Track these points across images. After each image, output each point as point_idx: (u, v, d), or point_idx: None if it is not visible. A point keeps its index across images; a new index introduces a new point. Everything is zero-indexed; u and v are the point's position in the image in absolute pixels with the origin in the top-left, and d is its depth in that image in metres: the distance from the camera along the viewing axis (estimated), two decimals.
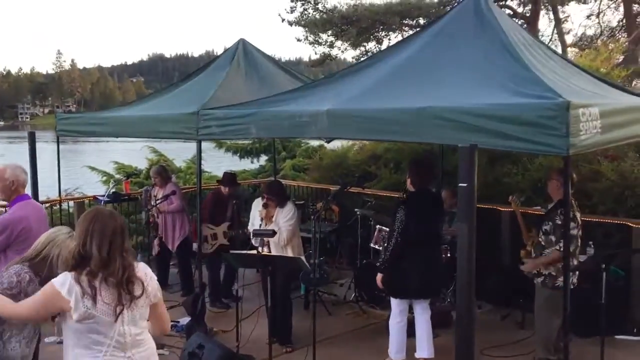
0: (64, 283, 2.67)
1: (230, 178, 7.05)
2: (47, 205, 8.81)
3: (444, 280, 6.13)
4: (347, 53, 15.50)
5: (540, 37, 14.52)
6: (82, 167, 14.36)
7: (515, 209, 5.20)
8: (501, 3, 13.72)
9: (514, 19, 13.67)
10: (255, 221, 5.76)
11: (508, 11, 14.28)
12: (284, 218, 5.59)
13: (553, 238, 4.86)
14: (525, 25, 13.92)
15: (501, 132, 3.29)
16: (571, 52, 15.09)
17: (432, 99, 3.76)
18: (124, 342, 2.75)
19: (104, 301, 2.68)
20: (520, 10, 14.87)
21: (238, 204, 6.94)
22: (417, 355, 5.19)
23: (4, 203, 4.87)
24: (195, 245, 6.84)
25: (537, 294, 5.07)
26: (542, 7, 14.73)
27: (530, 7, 14.62)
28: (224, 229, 6.74)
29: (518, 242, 5.47)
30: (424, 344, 5.18)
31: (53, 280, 2.71)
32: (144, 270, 2.86)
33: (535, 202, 6.79)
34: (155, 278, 2.94)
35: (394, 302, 5.20)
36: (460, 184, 2.99)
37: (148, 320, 2.92)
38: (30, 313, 2.81)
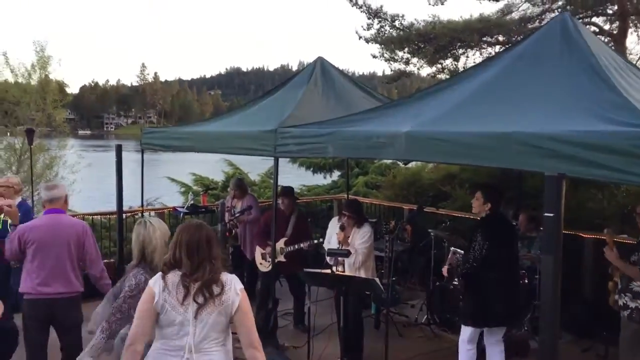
0: (155, 279, 3.03)
1: (289, 191, 6.93)
2: (129, 214, 9.22)
3: (523, 308, 5.93)
4: (422, 70, 15.31)
5: (628, 55, 13.86)
6: (162, 178, 14.91)
7: (609, 241, 4.90)
8: (586, 20, 13.21)
9: (601, 36, 13.14)
10: (332, 239, 5.78)
11: (594, 28, 13.73)
12: (361, 239, 5.57)
13: None
14: (612, 43, 13.34)
15: (591, 160, 3.12)
16: None
17: (516, 123, 3.64)
18: (185, 345, 2.91)
19: (183, 300, 2.93)
20: (606, 27, 14.25)
21: (300, 218, 6.76)
22: None
23: None
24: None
25: (623, 327, 4.80)
26: (631, 24, 14.06)
27: (617, 24, 13.99)
28: (280, 245, 6.62)
29: (601, 271, 5.21)
30: None
31: (150, 281, 3.06)
32: (228, 279, 3.03)
33: (621, 230, 6.46)
34: (239, 289, 3.03)
35: (467, 329, 5.03)
36: (546, 214, 2.88)
37: (235, 333, 3.05)
38: (137, 322, 2.99)
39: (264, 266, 6.71)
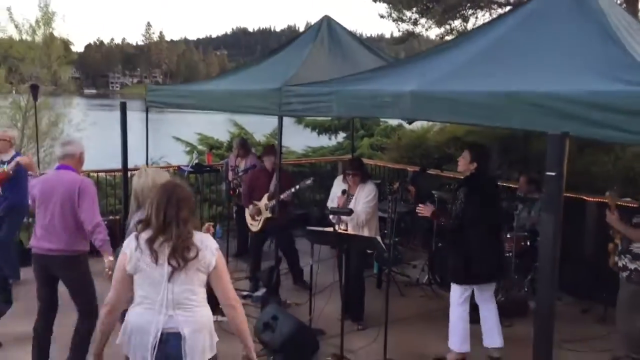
0: (128, 240, 3.03)
1: (272, 150, 6.92)
2: (135, 172, 9.25)
3: (506, 265, 6.10)
4: (431, 31, 15.06)
5: None
6: (168, 137, 14.91)
7: (611, 204, 4.90)
8: None
9: None
10: (335, 198, 5.82)
11: None
12: (365, 198, 5.61)
13: None
14: (624, 4, 13.07)
15: (596, 120, 3.09)
16: None
17: (522, 83, 3.61)
18: (168, 300, 2.91)
19: (156, 259, 2.91)
20: None
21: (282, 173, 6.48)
22: (487, 344, 5.06)
23: None
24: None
25: (622, 288, 4.86)
26: None
27: None
28: (264, 202, 6.64)
29: (603, 233, 5.24)
30: (495, 333, 5.04)
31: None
32: (201, 240, 3.02)
33: (626, 194, 6.45)
34: (215, 249, 3.04)
35: (457, 289, 5.03)
36: (547, 173, 2.87)
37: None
38: (114, 287, 3.06)
39: (254, 226, 6.75)
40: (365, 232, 5.62)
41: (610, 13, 4.13)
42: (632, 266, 4.72)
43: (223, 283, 3.04)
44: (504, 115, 3.53)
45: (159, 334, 2.88)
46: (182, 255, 2.91)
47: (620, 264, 4.84)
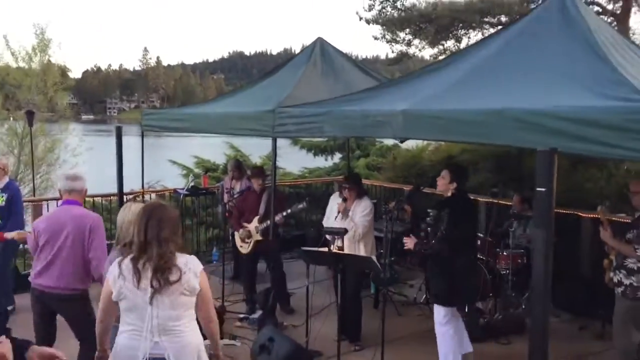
0: (112, 267, 3.04)
1: (260, 171, 6.91)
2: (131, 197, 9.26)
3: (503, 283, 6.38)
4: (424, 51, 15.25)
5: (631, 35, 13.73)
6: (165, 161, 14.94)
7: (603, 219, 4.93)
8: (589, 0, 13.10)
9: (603, 16, 13.02)
10: (331, 215, 5.83)
11: (597, 8, 13.60)
12: (361, 212, 5.64)
13: (636, 246, 4.64)
14: (614, 23, 13.22)
15: (583, 136, 3.14)
16: None
17: (511, 100, 3.65)
18: (152, 326, 2.91)
19: (138, 284, 2.91)
20: (609, 7, 14.12)
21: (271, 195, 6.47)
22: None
23: None
24: None
25: (617, 304, 4.84)
26: (634, 3, 13.93)
27: (620, 4, 13.86)
28: (255, 224, 6.62)
29: (598, 249, 5.24)
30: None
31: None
32: (185, 262, 3.01)
33: (620, 209, 6.47)
34: (198, 272, 3.05)
35: (442, 310, 4.95)
36: (537, 189, 2.90)
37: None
38: (100, 312, 3.12)
39: (243, 248, 6.73)
40: (362, 248, 5.63)
41: (597, 31, 4.20)
42: (627, 282, 4.72)
43: (207, 305, 3.10)
44: (493, 133, 3.57)
45: None
46: (163, 277, 2.91)
47: (615, 280, 4.83)
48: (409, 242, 5.03)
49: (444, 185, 4.97)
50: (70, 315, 4.35)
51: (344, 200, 5.72)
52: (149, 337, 2.90)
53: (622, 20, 13.41)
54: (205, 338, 3.22)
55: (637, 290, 4.64)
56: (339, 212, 5.69)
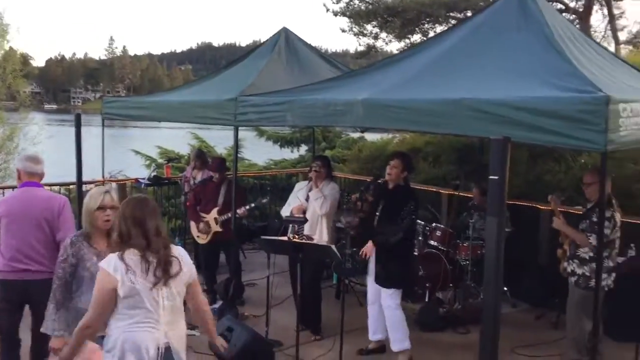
0: (109, 262, 2.93)
1: (220, 164, 6.86)
2: (92, 185, 9.08)
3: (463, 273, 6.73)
4: (391, 45, 15.36)
5: (592, 33, 14.04)
6: (127, 151, 14.71)
7: (554, 208, 5.07)
8: None
9: (566, 13, 13.28)
10: (292, 202, 5.81)
11: (560, 6, 13.87)
12: (330, 190, 5.70)
13: (589, 235, 4.75)
14: (577, 20, 13.51)
15: (537, 125, 3.20)
16: (624, 49, 14.57)
17: (469, 90, 3.69)
18: (161, 319, 2.97)
19: (146, 278, 2.93)
20: (572, 4, 14.42)
21: (230, 186, 6.49)
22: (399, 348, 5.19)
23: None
24: None
25: (571, 293, 4.96)
26: (596, 2, 14.25)
27: (583, 2, 14.17)
28: (214, 216, 6.57)
29: (556, 241, 5.34)
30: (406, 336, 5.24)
31: (100, 263, 2.97)
32: (178, 252, 3.10)
33: (577, 202, 6.61)
34: (190, 259, 3.15)
35: (398, 294, 5.13)
36: (490, 177, 2.94)
37: (185, 304, 3.16)
38: (97, 309, 2.97)
39: (201, 239, 6.66)
40: (324, 223, 5.66)
41: (555, 25, 4.28)
42: (579, 271, 4.83)
43: (199, 290, 3.22)
44: (450, 122, 3.61)
45: (153, 351, 2.94)
46: (170, 268, 2.98)
47: (569, 269, 4.94)
48: (367, 251, 5.14)
49: (397, 174, 5.04)
50: (42, 300, 4.14)
51: (310, 180, 5.77)
52: (160, 327, 2.96)
53: (584, 18, 13.70)
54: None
55: (589, 280, 4.75)
56: (308, 194, 5.70)
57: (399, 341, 5.10)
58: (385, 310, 5.13)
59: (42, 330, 3.58)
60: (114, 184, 8.83)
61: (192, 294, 3.19)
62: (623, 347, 5.15)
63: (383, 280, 5.12)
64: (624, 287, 5.29)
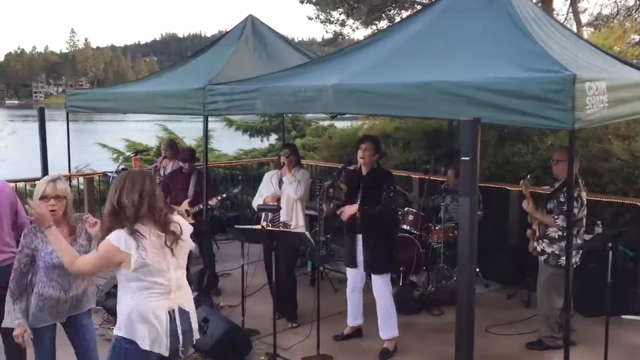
0: (119, 238, 2.96)
1: (189, 154, 6.82)
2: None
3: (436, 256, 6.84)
4: (358, 32, 15.32)
5: (555, 15, 14.22)
6: (92, 145, 14.46)
7: (525, 192, 5.13)
8: None
9: None
10: (264, 191, 5.79)
11: None
12: (302, 175, 5.74)
13: (555, 216, 4.85)
14: (540, 3, 13.67)
15: (506, 106, 3.24)
16: (586, 31, 14.82)
17: (437, 73, 3.72)
18: (170, 286, 3.08)
19: (155, 250, 3.01)
20: None
21: (200, 177, 6.48)
22: (388, 336, 5.21)
23: None
24: None
25: (540, 272, 5.08)
26: None
27: None
28: (185, 207, 6.53)
29: (525, 221, 5.45)
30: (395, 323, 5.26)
31: (108, 237, 2.99)
32: (177, 219, 3.21)
33: (544, 182, 6.74)
34: (189, 227, 3.27)
35: (387, 278, 5.15)
36: (462, 158, 2.96)
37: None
38: (90, 268, 3.14)
39: None
40: (299, 207, 5.69)
41: (519, 6, 4.32)
42: (549, 250, 4.93)
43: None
44: (420, 106, 3.64)
45: (172, 316, 3.06)
46: (175, 233, 3.08)
47: (538, 249, 5.04)
48: (348, 209, 5.08)
49: (370, 157, 5.04)
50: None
51: (282, 165, 5.76)
52: (170, 295, 3.07)
53: (546, 1, 13.87)
54: None
55: (558, 258, 4.86)
56: (280, 180, 5.70)
57: (390, 328, 5.11)
58: (378, 298, 5.12)
59: (2, 326, 3.61)
60: (81, 179, 8.70)
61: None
62: (593, 321, 5.29)
63: (373, 267, 5.10)
64: (591, 263, 5.44)
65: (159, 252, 3.02)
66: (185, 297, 3.21)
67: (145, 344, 3.00)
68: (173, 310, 3.08)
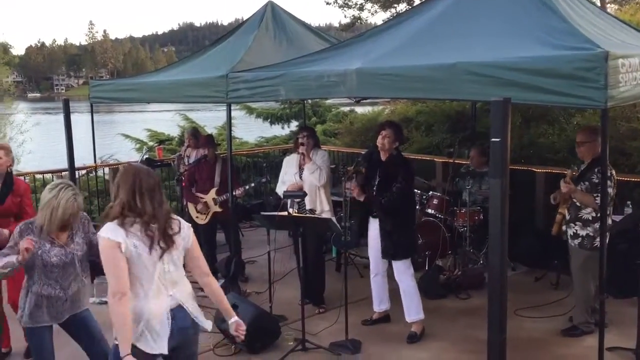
0: (108, 229, 2.92)
1: (209, 139, 6.78)
2: (84, 171, 9.03)
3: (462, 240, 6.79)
4: (377, 16, 15.18)
5: None
6: (117, 136, 14.58)
7: (569, 180, 4.89)
8: None
9: None
10: (286, 177, 5.79)
11: None
12: (322, 158, 5.67)
13: (595, 194, 4.72)
14: None
15: (536, 86, 3.17)
16: (610, 8, 14.51)
17: (464, 54, 3.65)
18: (166, 281, 3.03)
19: (149, 247, 2.95)
20: None
21: (225, 165, 6.40)
22: (413, 319, 5.20)
23: None
24: None
25: (575, 256, 4.96)
26: None
27: None
28: (213, 196, 6.54)
29: (551, 203, 5.36)
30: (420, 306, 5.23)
31: (99, 233, 2.95)
32: (178, 219, 3.16)
33: (573, 163, 6.62)
34: (189, 225, 3.20)
35: (408, 263, 5.13)
36: (492, 139, 2.91)
37: (186, 268, 3.20)
38: (114, 281, 2.89)
39: (200, 219, 6.62)
40: (322, 194, 5.64)
41: None
42: (583, 233, 4.81)
43: (200, 255, 3.22)
44: (447, 87, 3.57)
45: (169, 314, 3.00)
46: (171, 234, 3.02)
47: (570, 232, 4.92)
48: (355, 190, 5.08)
49: (389, 143, 4.99)
50: None
51: (301, 154, 5.72)
52: (165, 292, 3.01)
53: None
54: None
55: (593, 240, 4.75)
56: (300, 168, 5.67)
57: (415, 312, 5.10)
58: (400, 283, 5.10)
59: None
60: (106, 169, 8.78)
61: (193, 259, 3.19)
62: (625, 302, 5.22)
63: (393, 254, 5.08)
64: (622, 244, 5.36)
65: (151, 247, 2.95)
66: (183, 293, 3.12)
67: (145, 346, 2.95)
68: (172, 309, 3.02)
